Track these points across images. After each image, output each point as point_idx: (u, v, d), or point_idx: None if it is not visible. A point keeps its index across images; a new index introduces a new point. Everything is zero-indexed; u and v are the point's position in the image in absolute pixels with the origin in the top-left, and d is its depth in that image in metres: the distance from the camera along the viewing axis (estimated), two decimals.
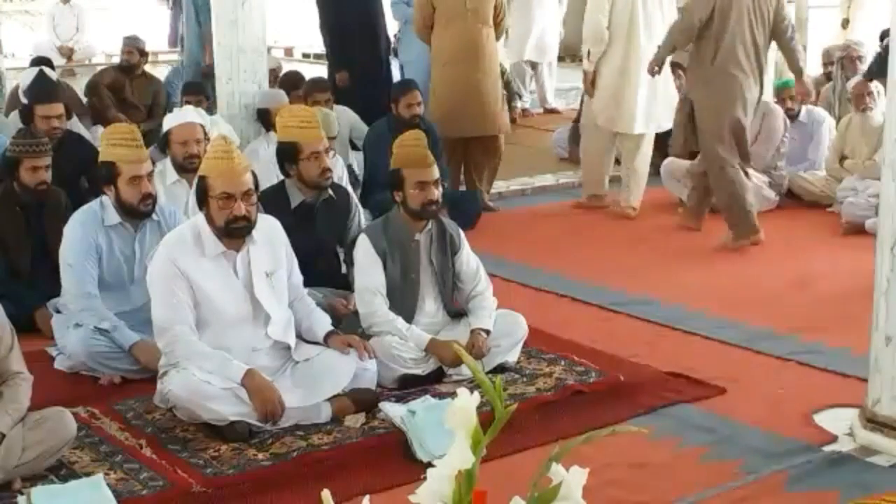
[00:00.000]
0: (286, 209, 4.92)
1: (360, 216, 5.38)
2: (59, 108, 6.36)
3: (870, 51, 8.74)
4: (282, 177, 5.18)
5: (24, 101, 7.58)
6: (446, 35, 7.60)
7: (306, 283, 4.43)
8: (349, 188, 5.70)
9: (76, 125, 7.15)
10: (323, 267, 5.03)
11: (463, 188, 7.83)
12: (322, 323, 4.30)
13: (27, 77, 7.84)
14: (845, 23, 12.73)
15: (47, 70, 7.40)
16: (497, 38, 7.84)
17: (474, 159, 7.78)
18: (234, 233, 4.03)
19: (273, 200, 4.84)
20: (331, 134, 6.23)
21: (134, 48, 8.96)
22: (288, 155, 5.02)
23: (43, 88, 6.61)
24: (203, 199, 4.04)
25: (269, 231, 4.19)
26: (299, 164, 4.99)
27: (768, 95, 8.21)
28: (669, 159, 8.08)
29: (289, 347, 4.17)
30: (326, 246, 5.15)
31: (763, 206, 7.55)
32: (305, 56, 14.49)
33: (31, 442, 3.55)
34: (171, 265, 4.00)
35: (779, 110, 7.88)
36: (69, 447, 3.71)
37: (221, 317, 4.03)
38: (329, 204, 5.13)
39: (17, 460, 3.50)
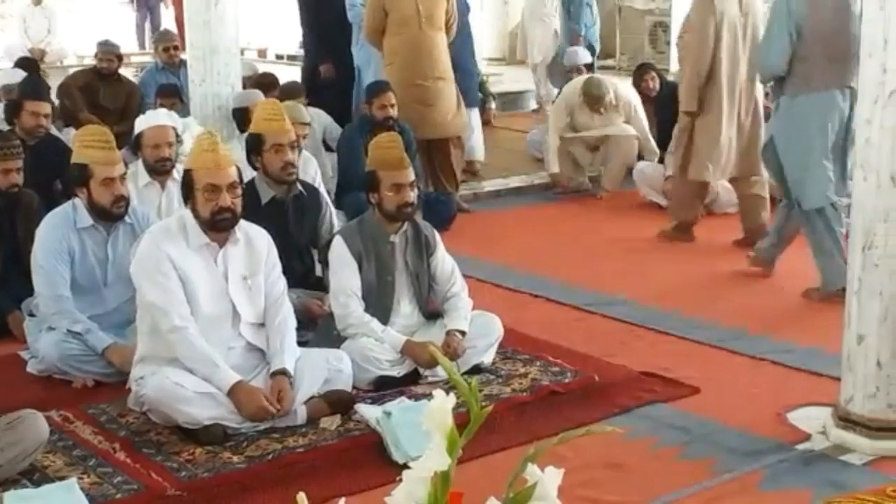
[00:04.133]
0: (256, 205, 4.93)
1: (333, 215, 5.38)
2: (47, 107, 6.47)
3: None
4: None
5: (3, 99, 7.56)
6: (398, 39, 7.60)
7: None
8: (322, 188, 5.68)
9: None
10: (296, 267, 5.02)
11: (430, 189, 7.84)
12: (278, 359, 4.05)
13: (7, 76, 7.81)
14: None
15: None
16: (448, 42, 7.86)
17: (436, 160, 7.78)
18: (219, 224, 4.02)
19: (243, 196, 4.84)
20: (302, 120, 6.20)
21: (113, 55, 8.96)
22: (254, 146, 5.08)
23: (35, 86, 6.71)
24: (188, 192, 4.04)
25: (252, 237, 4.17)
26: (263, 156, 5.03)
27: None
28: (642, 163, 8.14)
29: (263, 351, 4.15)
30: (299, 244, 5.14)
31: (734, 207, 7.60)
32: (279, 57, 14.44)
33: (3, 445, 3.52)
34: (157, 249, 3.99)
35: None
36: (42, 450, 3.68)
37: (201, 307, 4.01)
38: (299, 200, 5.14)
39: None
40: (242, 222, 4.14)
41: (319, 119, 7.61)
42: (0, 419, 3.57)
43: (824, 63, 5.58)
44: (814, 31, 5.55)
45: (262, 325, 4.16)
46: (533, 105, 12.34)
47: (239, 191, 4.08)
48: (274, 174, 5.03)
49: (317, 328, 4.69)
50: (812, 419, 4.14)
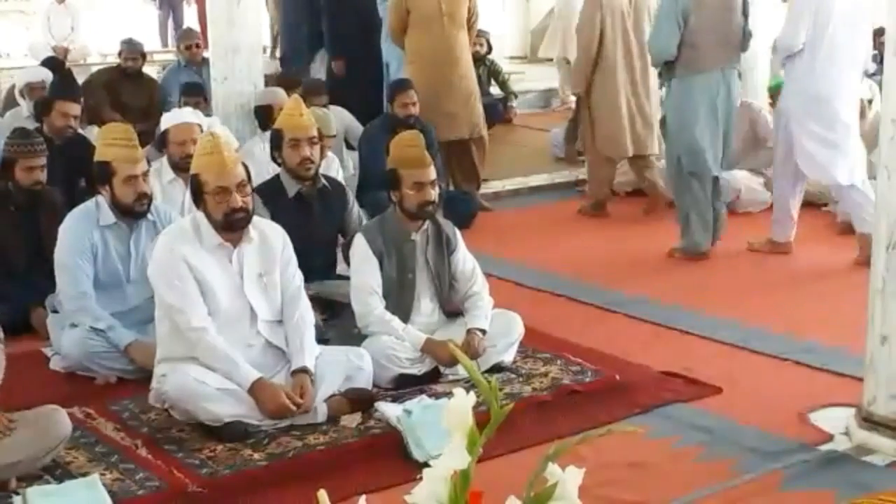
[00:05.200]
0: (282, 199, 4.99)
1: (358, 210, 5.41)
2: (78, 108, 6.53)
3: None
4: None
5: (21, 99, 7.61)
6: (421, 38, 7.61)
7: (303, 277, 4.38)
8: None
9: None
10: (319, 261, 5.05)
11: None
12: (298, 357, 4.08)
13: (30, 74, 7.86)
14: None
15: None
16: (470, 41, 7.86)
17: (457, 159, 7.79)
18: (233, 225, 4.03)
19: (269, 191, 4.91)
20: (329, 132, 6.24)
21: (137, 54, 9.03)
22: (274, 141, 5.16)
23: (67, 86, 6.78)
24: (199, 196, 4.05)
25: (267, 234, 4.18)
26: (282, 150, 5.10)
27: (754, 97, 8.25)
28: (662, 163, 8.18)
29: (282, 350, 4.16)
30: (324, 238, 5.17)
31: (756, 206, 7.59)
32: None
33: (25, 440, 3.54)
34: (172, 252, 4.01)
35: (760, 106, 7.91)
36: (64, 446, 3.69)
37: (218, 307, 4.03)
38: (324, 195, 5.16)
39: (11, 459, 3.49)
40: (256, 219, 4.15)
41: (341, 117, 7.62)
42: (22, 415, 3.60)
43: (710, 48, 6.31)
44: (699, 20, 6.27)
45: (280, 322, 4.17)
46: (556, 103, 12.33)
47: (249, 189, 4.08)
48: (291, 169, 5.08)
49: (337, 326, 4.69)
50: (834, 420, 4.12)
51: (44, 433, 3.59)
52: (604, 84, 7.60)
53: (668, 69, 6.44)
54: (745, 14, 6.48)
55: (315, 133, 5.14)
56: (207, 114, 6.69)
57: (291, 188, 5.10)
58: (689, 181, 6.47)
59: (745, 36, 6.50)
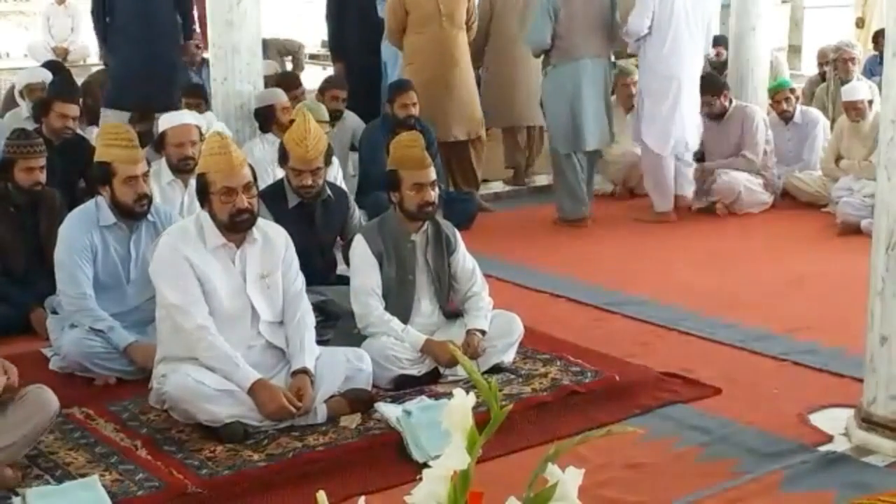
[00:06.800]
0: (283, 207, 4.96)
1: (359, 216, 5.40)
2: (76, 110, 6.55)
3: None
4: (278, 176, 5.25)
5: (21, 100, 7.61)
6: (420, 39, 7.62)
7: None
8: (345, 187, 5.71)
9: None
10: (321, 265, 5.04)
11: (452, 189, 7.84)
12: (298, 358, 4.08)
13: (30, 75, 7.86)
14: (860, 21, 12.76)
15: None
16: (469, 42, 7.87)
17: (456, 160, 7.79)
18: (238, 226, 4.03)
19: (272, 198, 4.89)
20: (321, 118, 6.20)
21: None
22: (282, 156, 5.13)
23: (66, 87, 6.81)
24: (204, 196, 4.04)
25: (270, 235, 4.18)
26: (287, 170, 5.09)
27: (754, 98, 8.25)
28: None
29: (283, 350, 4.16)
30: (325, 244, 5.17)
31: (756, 207, 7.60)
32: (313, 57, 14.44)
33: (14, 422, 3.51)
34: (174, 251, 4.01)
35: (755, 111, 7.90)
36: (53, 423, 3.67)
37: (220, 307, 4.03)
38: (326, 204, 5.15)
39: (5, 441, 3.47)
40: (260, 221, 4.15)
41: (351, 121, 7.61)
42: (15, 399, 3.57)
43: (579, 39, 7.17)
44: (567, 14, 7.13)
45: (281, 323, 4.17)
46: None
47: (254, 190, 4.08)
48: (293, 188, 5.05)
49: (337, 326, 4.70)
50: (834, 420, 4.12)
51: (31, 412, 3.55)
52: (491, 61, 8.31)
53: (546, 58, 7.29)
54: (613, 7, 7.26)
55: (320, 164, 5.06)
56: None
57: (293, 197, 5.07)
58: (560, 159, 7.38)
59: (614, 27, 7.26)
